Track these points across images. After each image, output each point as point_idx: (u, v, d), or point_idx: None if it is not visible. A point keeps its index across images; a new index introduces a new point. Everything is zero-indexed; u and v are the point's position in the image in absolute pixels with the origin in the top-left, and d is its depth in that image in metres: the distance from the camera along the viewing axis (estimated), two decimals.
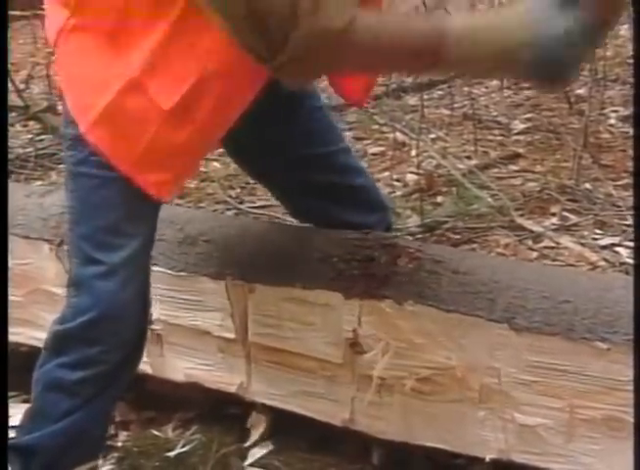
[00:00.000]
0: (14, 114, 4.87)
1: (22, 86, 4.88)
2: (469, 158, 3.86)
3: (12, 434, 1.74)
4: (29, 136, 4.74)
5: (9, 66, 4.09)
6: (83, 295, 1.65)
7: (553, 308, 1.63)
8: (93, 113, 1.54)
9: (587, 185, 3.36)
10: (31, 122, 4.86)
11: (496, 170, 3.69)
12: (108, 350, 1.65)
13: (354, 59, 1.34)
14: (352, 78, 1.68)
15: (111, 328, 1.64)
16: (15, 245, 2.15)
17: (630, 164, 3.42)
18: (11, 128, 4.82)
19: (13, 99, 4.84)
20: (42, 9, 1.68)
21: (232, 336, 1.94)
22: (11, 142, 4.54)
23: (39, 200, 2.26)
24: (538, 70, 1.27)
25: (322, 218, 1.94)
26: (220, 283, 1.92)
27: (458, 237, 3.01)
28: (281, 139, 1.80)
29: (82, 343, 1.65)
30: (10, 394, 2.00)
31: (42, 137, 4.66)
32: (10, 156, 4.24)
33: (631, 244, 2.77)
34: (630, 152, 3.59)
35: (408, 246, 1.84)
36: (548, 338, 1.60)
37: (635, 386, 1.48)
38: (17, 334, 2.20)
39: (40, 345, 1.79)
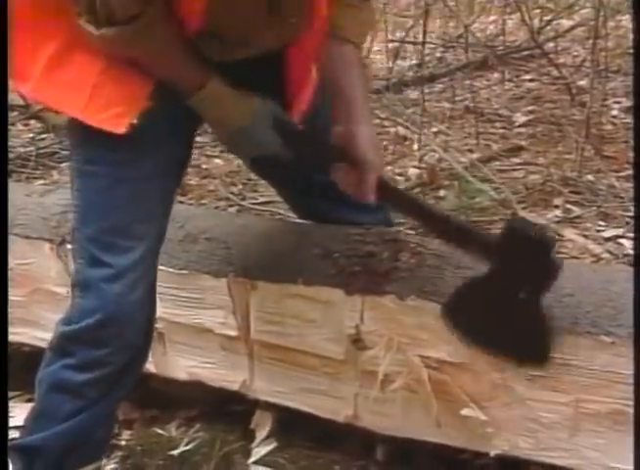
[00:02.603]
0: (15, 112, 4.86)
1: None
2: (471, 151, 3.86)
3: (14, 434, 1.74)
4: (30, 135, 4.74)
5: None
6: (89, 297, 1.64)
7: (556, 302, 1.62)
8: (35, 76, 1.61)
9: (590, 177, 3.36)
10: (32, 121, 4.85)
11: (498, 163, 3.68)
12: (113, 352, 1.65)
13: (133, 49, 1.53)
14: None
15: (117, 331, 1.63)
16: (16, 245, 2.15)
17: (632, 156, 3.41)
18: (12, 127, 4.82)
19: (14, 98, 4.83)
20: None
21: (234, 333, 1.94)
22: (12, 141, 4.53)
23: (40, 199, 2.25)
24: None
25: (323, 217, 1.94)
26: (222, 281, 1.91)
27: None
28: None
29: (88, 345, 1.64)
30: (12, 393, 2.01)
31: (43, 136, 4.65)
32: (11, 155, 4.24)
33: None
34: (632, 143, 3.57)
35: (410, 241, 1.83)
36: None
37: (635, 379, 1.47)
38: (19, 334, 2.20)
39: (42, 344, 1.79)
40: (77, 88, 1.58)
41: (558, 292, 1.64)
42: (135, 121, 1.56)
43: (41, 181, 3.90)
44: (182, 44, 1.54)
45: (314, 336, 1.83)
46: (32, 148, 4.35)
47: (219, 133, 1.69)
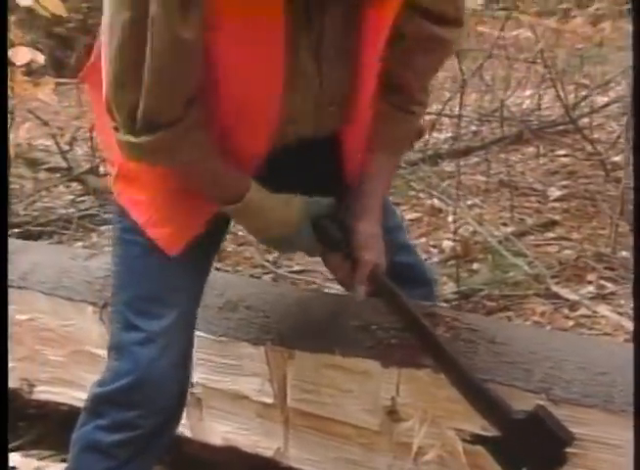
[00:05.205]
0: (57, 174, 4.98)
1: (65, 148, 4.99)
2: (505, 225, 3.88)
3: None
4: (71, 197, 4.83)
5: (55, 129, 4.19)
6: (123, 359, 1.70)
7: (590, 380, 1.63)
8: (115, 169, 1.68)
9: (624, 253, 3.35)
10: (74, 184, 4.95)
11: (532, 238, 3.69)
12: (144, 414, 1.68)
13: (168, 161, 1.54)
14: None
15: (148, 394, 1.67)
16: (59, 306, 2.21)
17: None
18: (54, 189, 4.93)
19: (56, 161, 4.95)
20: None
21: (270, 401, 1.96)
22: (53, 203, 4.65)
23: (84, 263, 2.31)
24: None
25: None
26: (260, 348, 1.94)
27: (494, 304, 3.01)
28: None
29: (120, 406, 1.69)
30: (47, 453, 2.04)
31: (84, 198, 4.75)
32: (52, 216, 4.35)
33: None
34: None
35: (445, 315, 1.85)
36: (586, 409, 1.59)
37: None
38: (58, 393, 2.24)
39: (81, 405, 1.82)
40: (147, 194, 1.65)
41: (591, 370, 1.65)
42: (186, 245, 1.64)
43: (81, 243, 3.97)
44: (218, 152, 1.56)
45: (350, 406, 1.85)
46: (73, 210, 4.44)
47: (256, 237, 1.75)
